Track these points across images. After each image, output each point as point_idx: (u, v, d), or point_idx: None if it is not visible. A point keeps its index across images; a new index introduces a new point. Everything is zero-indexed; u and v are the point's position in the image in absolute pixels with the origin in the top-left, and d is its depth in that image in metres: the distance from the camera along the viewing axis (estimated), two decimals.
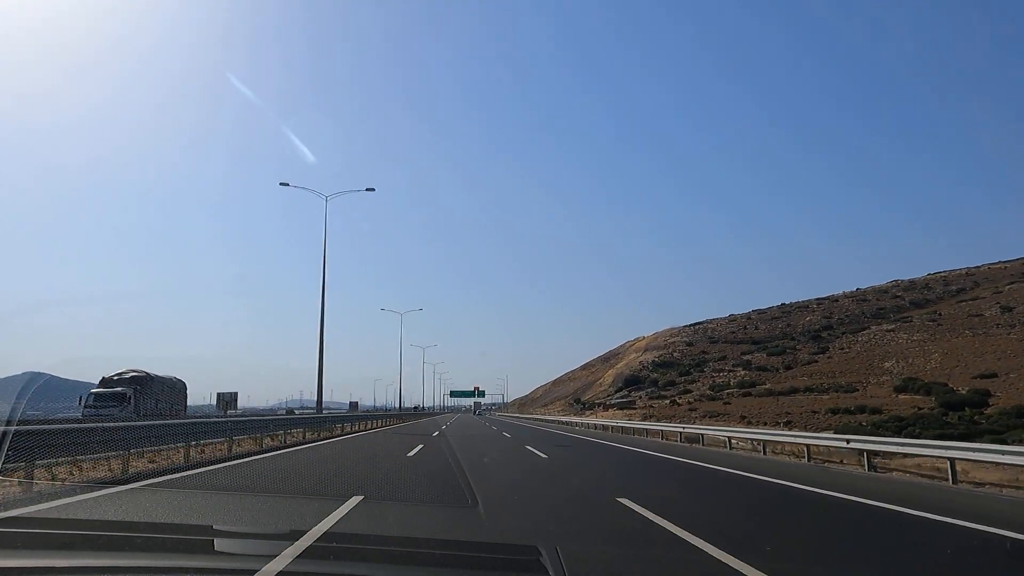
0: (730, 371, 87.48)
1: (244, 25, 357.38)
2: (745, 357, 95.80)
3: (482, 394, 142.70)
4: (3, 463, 7.68)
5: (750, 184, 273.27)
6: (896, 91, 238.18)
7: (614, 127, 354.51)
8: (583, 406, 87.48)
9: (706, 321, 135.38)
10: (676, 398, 70.04)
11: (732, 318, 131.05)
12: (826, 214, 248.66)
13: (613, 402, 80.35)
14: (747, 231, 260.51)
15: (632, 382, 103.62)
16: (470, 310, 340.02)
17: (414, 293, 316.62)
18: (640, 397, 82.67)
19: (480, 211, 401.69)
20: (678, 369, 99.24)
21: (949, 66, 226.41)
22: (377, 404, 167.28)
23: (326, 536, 3.98)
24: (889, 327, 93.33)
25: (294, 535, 3.57)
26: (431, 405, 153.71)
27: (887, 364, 68.96)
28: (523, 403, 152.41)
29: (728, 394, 66.26)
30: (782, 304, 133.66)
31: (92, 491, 7.93)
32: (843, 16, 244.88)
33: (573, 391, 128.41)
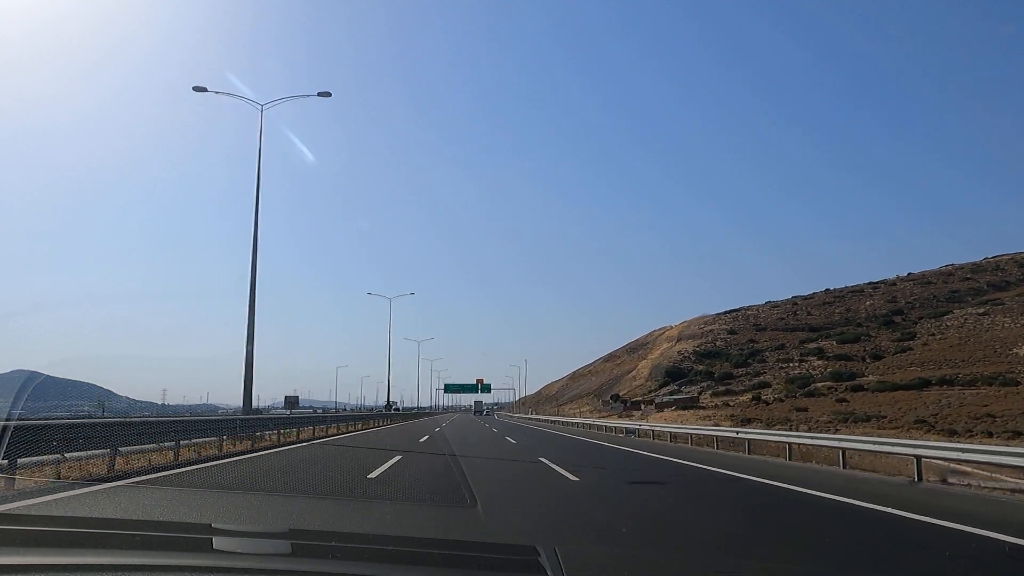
0: (802, 361, 74.28)
1: (244, 25, 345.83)
2: (809, 345, 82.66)
3: (487, 388, 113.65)
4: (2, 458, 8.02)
5: (754, 179, 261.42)
6: (901, 86, 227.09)
7: (617, 122, 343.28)
8: (624, 404, 73.92)
9: (743, 308, 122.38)
10: (759, 394, 56.53)
11: (773, 304, 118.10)
12: (833, 210, 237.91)
13: (665, 399, 66.88)
14: (752, 226, 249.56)
15: (675, 375, 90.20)
16: (474, 307, 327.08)
17: (415, 290, 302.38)
18: (697, 393, 69.28)
19: (483, 207, 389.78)
20: (730, 359, 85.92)
21: (954, 60, 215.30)
22: (366, 403, 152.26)
23: (321, 533, 3.87)
24: (978, 310, 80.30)
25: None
26: (429, 405, 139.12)
27: (1020, 351, 55.67)
28: (537, 401, 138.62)
29: (826, 388, 52.81)
30: (827, 289, 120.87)
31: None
32: (851, 12, 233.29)
33: (598, 386, 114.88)
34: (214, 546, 2.42)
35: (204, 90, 26.48)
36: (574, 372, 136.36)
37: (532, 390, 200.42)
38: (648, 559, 4.60)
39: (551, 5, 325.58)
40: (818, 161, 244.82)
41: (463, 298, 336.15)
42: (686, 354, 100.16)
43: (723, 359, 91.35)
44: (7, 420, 7.99)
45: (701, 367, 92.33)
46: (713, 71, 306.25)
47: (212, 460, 13.25)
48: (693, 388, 74.71)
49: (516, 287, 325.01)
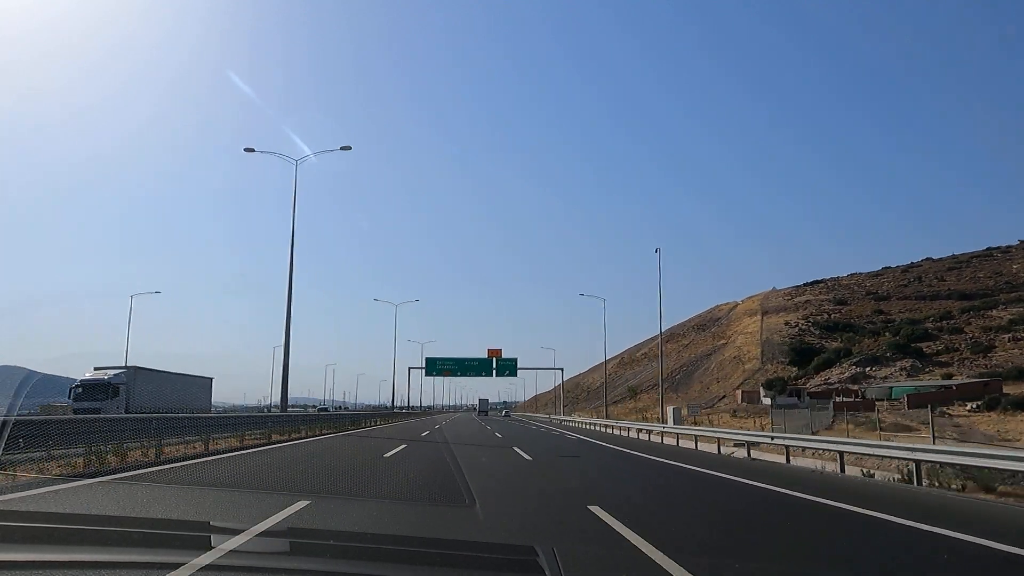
0: None
1: (245, 23, 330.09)
2: (998, 313, 63.31)
3: (508, 367, 64.88)
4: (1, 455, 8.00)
5: (752, 179, 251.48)
6: (897, 86, 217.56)
7: (617, 122, 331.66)
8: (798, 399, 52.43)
9: (825, 280, 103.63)
10: None
11: (874, 274, 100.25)
12: (825, 208, 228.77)
13: (893, 386, 45.75)
14: (747, 224, 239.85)
15: (805, 353, 69.83)
16: (474, 306, 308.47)
17: (414, 290, 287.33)
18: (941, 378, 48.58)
19: (483, 206, 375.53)
20: (897, 330, 65.61)
21: (949, 60, 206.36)
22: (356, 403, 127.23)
23: (319, 532, 3.87)
24: None
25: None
26: (430, 404, 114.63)
27: None
28: (574, 396, 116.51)
29: None
30: (928, 258, 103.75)
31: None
32: (847, 12, 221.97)
33: (670, 372, 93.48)
34: (212, 544, 2.33)
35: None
36: (622, 357, 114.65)
37: (546, 386, 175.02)
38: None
39: (551, 5, 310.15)
40: (812, 160, 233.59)
41: (464, 297, 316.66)
42: (802, 326, 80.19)
43: (864, 334, 71.67)
44: (5, 417, 7.91)
45: (834, 343, 72.45)
46: (712, 72, 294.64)
47: None
48: (889, 369, 54.18)
49: (516, 285, 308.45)
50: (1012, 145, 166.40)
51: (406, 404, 74.02)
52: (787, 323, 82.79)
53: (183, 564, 2.21)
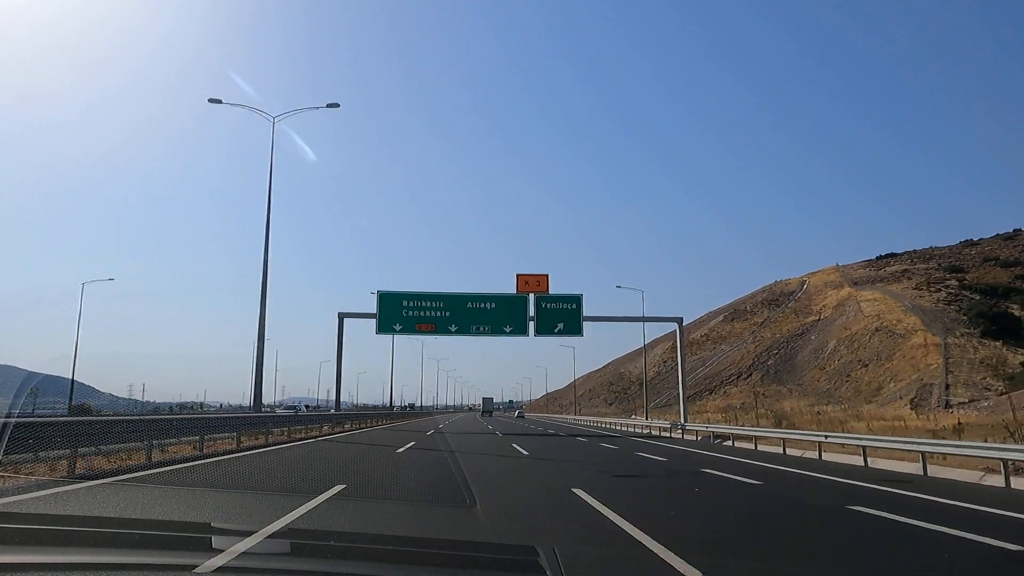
0: None
1: (245, 23, 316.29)
2: None
3: (564, 315, 31.27)
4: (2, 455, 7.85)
5: (747, 177, 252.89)
6: (893, 87, 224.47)
7: (614, 121, 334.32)
8: None
9: (902, 254, 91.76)
10: None
11: (968, 243, 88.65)
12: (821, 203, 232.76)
13: None
14: (741, 220, 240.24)
15: (1003, 320, 55.53)
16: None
17: (412, 287, 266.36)
18: None
19: (482, 206, 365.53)
20: None
21: (948, 63, 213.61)
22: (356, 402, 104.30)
23: (320, 533, 3.78)
24: None
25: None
26: (412, 402, 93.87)
27: None
28: (608, 394, 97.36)
29: None
30: (1017, 229, 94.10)
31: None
32: (845, 11, 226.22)
33: (757, 354, 77.25)
34: (213, 545, 2.34)
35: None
36: (674, 341, 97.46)
37: (584, 370, 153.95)
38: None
39: (550, 5, 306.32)
40: (808, 159, 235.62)
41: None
42: (949, 292, 66.31)
43: None
44: (7, 418, 7.89)
45: (1015, 309, 58.82)
46: (709, 72, 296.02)
47: None
48: None
49: (511, 285, 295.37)
50: (1009, 144, 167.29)
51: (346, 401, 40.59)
52: (917, 288, 68.91)
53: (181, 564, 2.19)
